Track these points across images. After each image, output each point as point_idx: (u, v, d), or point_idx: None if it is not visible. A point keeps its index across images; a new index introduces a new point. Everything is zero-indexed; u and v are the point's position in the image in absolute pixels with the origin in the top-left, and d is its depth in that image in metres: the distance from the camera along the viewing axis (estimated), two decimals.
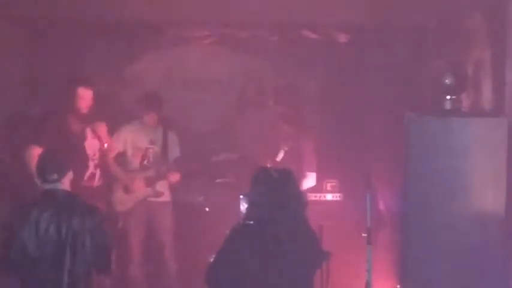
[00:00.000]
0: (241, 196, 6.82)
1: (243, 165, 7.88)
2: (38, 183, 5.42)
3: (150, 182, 7.63)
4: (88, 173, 7.32)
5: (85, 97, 7.32)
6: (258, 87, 9.15)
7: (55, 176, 5.29)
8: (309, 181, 7.57)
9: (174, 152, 7.79)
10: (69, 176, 5.39)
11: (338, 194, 7.92)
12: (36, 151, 7.05)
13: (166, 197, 7.74)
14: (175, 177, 7.70)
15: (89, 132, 7.40)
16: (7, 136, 7.97)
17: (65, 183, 5.37)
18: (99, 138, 7.47)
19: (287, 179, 5.03)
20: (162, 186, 7.70)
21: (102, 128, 7.50)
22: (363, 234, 5.66)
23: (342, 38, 8.69)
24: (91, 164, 7.36)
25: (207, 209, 8.37)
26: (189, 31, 8.81)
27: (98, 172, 7.40)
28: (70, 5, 7.35)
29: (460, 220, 5.82)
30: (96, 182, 7.39)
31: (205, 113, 9.17)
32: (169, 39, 8.88)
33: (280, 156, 7.43)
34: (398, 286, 6.20)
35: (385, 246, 6.74)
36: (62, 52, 8.53)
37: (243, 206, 5.16)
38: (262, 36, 8.79)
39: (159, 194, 7.65)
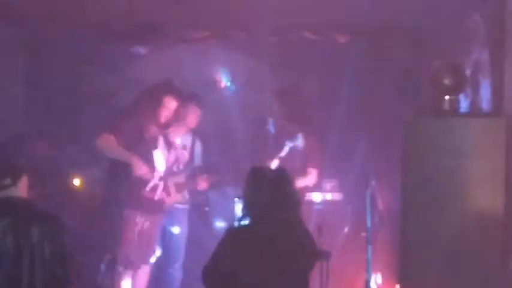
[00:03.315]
0: (236, 198, 6.86)
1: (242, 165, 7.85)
2: None
3: (180, 188, 7.41)
4: (151, 184, 7.03)
5: (169, 107, 7.06)
6: (258, 88, 9.16)
7: (8, 181, 4.89)
8: (312, 178, 7.45)
9: (198, 160, 7.63)
10: (25, 181, 4.98)
11: (338, 194, 7.93)
12: (109, 139, 6.80)
13: (186, 204, 7.56)
14: (204, 184, 7.50)
15: (161, 141, 7.14)
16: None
17: (22, 189, 4.97)
18: (173, 147, 7.23)
19: (282, 179, 5.03)
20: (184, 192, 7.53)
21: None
22: (363, 234, 5.69)
23: (342, 38, 8.71)
24: (156, 175, 7.06)
25: (206, 209, 8.39)
26: (189, 32, 8.82)
27: (161, 184, 7.10)
28: (70, 5, 7.37)
29: (459, 220, 5.83)
30: (158, 194, 7.08)
31: (205, 114, 9.18)
32: (169, 40, 8.89)
33: (285, 152, 7.30)
34: (397, 286, 6.22)
35: (384, 246, 6.75)
36: (61, 52, 8.55)
37: (238, 207, 5.18)
38: (262, 37, 8.81)
39: (187, 201, 7.49)
